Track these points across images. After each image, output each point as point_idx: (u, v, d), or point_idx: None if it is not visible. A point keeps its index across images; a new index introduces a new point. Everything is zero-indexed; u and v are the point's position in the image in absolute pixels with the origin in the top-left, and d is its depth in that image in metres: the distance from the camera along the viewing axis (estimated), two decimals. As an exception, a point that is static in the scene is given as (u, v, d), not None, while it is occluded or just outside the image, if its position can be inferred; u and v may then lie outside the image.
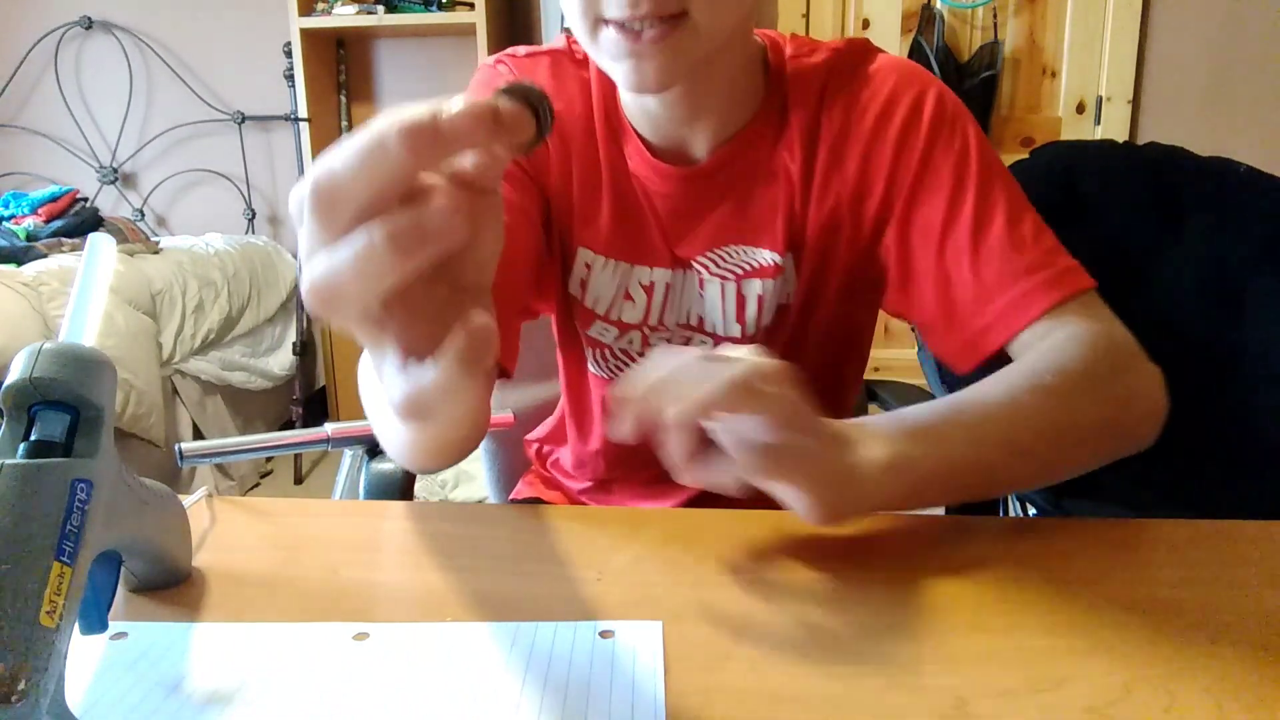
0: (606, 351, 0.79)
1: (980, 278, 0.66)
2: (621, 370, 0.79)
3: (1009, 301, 0.64)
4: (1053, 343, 0.62)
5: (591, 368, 0.81)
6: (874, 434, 0.52)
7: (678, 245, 0.74)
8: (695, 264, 0.74)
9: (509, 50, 0.76)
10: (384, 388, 0.32)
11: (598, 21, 0.61)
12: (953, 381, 1.01)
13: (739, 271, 0.73)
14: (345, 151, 0.28)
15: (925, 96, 0.70)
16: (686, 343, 0.77)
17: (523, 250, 0.69)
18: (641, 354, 0.78)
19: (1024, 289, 0.64)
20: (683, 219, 0.73)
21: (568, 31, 0.76)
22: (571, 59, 0.75)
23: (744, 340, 0.75)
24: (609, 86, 0.74)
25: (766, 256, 0.72)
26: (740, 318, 0.74)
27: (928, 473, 0.53)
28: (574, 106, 0.74)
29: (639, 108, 0.72)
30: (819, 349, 0.77)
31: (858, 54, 0.73)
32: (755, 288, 0.73)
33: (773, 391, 0.47)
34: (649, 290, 0.75)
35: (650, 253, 0.74)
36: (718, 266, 0.73)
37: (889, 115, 0.70)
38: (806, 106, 0.71)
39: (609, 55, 0.62)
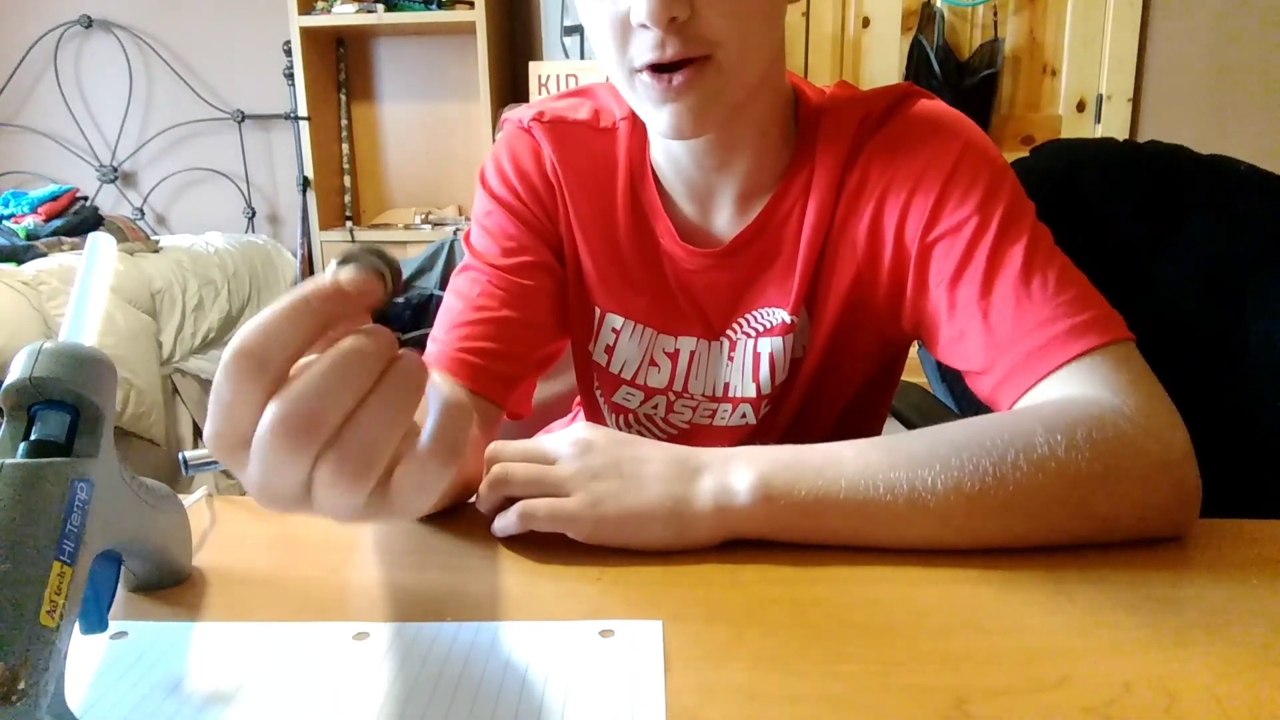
0: (631, 417, 0.80)
1: (992, 335, 0.62)
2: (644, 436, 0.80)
3: (1013, 365, 0.61)
4: (1042, 408, 0.56)
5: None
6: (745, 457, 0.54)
7: (711, 317, 0.74)
8: (727, 332, 0.74)
9: (536, 110, 0.75)
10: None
11: (632, 71, 0.62)
12: (953, 380, 1.01)
13: (758, 330, 0.73)
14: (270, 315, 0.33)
15: (950, 144, 0.67)
16: (711, 416, 0.77)
17: (541, 314, 0.74)
18: (665, 420, 0.79)
19: (1026, 350, 0.60)
20: (715, 293, 0.74)
21: (590, 90, 0.77)
22: (596, 130, 0.75)
23: (758, 399, 0.75)
24: (638, 161, 0.74)
25: (779, 315, 0.72)
26: (755, 376, 0.74)
27: (792, 505, 0.52)
28: (598, 181, 0.74)
29: (668, 160, 0.72)
30: (838, 399, 0.76)
31: (894, 101, 0.70)
32: (766, 346, 0.73)
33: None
34: (673, 357, 0.75)
35: (681, 323, 0.75)
36: (742, 329, 0.74)
37: (909, 165, 0.67)
38: (833, 163, 0.69)
39: (648, 101, 0.63)
